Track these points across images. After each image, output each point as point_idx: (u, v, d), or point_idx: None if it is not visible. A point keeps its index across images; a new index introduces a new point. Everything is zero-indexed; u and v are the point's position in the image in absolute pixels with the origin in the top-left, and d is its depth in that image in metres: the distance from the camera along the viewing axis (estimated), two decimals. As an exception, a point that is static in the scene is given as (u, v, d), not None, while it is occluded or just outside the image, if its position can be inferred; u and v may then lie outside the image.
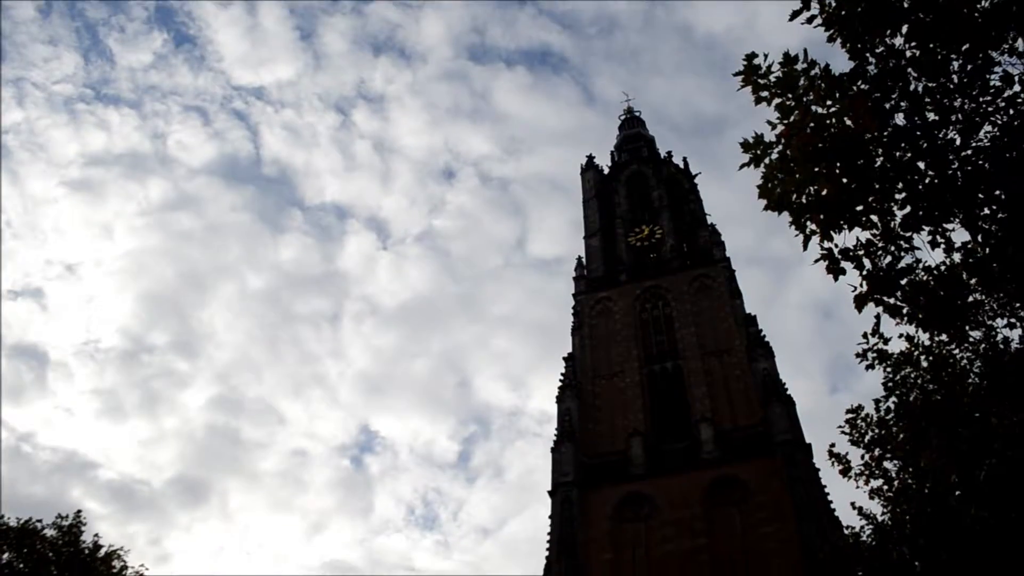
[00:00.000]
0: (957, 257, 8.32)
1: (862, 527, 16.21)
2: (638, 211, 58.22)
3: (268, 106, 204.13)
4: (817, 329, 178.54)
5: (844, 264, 7.82)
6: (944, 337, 14.09)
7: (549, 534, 40.55)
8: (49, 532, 28.34)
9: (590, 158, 63.54)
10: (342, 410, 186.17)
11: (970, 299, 10.28)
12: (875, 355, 15.67)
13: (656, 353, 48.02)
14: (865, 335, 15.01)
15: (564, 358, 48.57)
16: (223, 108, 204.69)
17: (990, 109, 7.76)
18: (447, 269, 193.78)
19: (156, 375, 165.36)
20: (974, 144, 7.74)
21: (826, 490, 37.49)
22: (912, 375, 15.76)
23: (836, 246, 7.77)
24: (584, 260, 55.31)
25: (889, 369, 15.95)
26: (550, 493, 41.85)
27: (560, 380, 46.99)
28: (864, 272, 7.83)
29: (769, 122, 7.83)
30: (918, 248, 7.70)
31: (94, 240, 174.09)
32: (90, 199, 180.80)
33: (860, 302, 7.90)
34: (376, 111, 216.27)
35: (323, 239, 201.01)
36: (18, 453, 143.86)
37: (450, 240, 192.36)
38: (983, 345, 14.06)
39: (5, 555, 27.56)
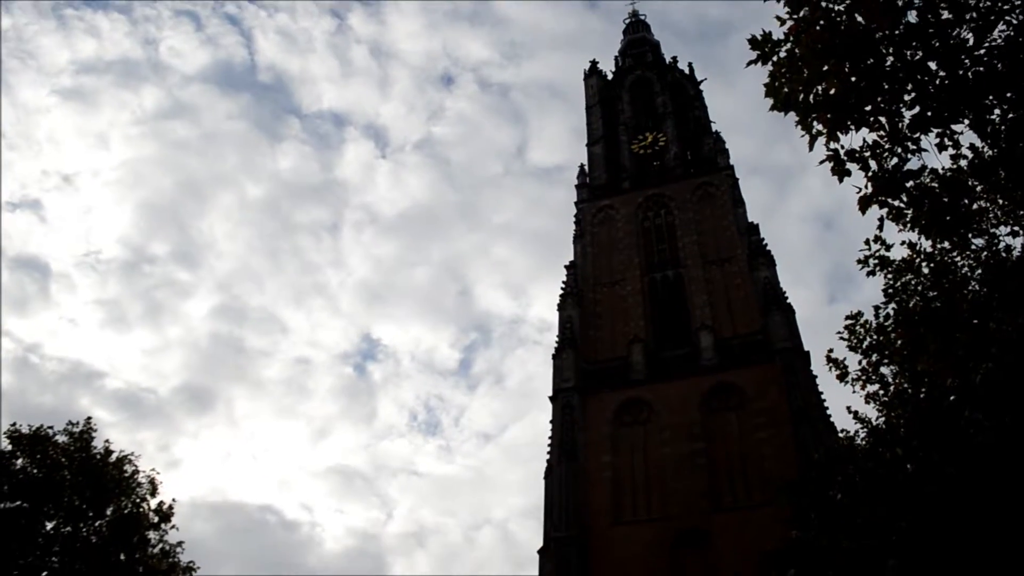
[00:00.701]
0: (964, 163, 8.18)
1: (857, 431, 16.52)
2: (642, 118, 57.31)
3: (261, 10, 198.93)
4: (817, 239, 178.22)
5: (850, 166, 7.68)
6: (946, 244, 14.03)
7: (550, 438, 41.47)
8: (61, 439, 28.86)
9: (593, 64, 62.18)
10: (344, 319, 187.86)
11: (974, 206, 10.17)
12: (876, 261, 15.64)
13: (657, 261, 48.11)
14: (867, 241, 14.95)
15: (566, 266, 48.70)
16: (215, 13, 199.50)
17: (1005, 7, 7.49)
18: (447, 177, 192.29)
19: (158, 285, 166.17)
20: (987, 44, 7.50)
21: (823, 397, 38.17)
22: (912, 282, 15.75)
23: (842, 147, 7.62)
24: (586, 168, 54.81)
25: (890, 276, 15.94)
26: (551, 399, 42.61)
27: (561, 288, 47.22)
28: (869, 174, 7.71)
29: (778, 18, 7.57)
30: (925, 150, 7.55)
31: (90, 150, 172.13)
32: (83, 108, 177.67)
33: (864, 204, 7.81)
34: (372, 14, 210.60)
35: (321, 147, 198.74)
36: (25, 364, 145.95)
37: (449, 148, 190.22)
38: (985, 253, 14.01)
39: (20, 461, 28.16)
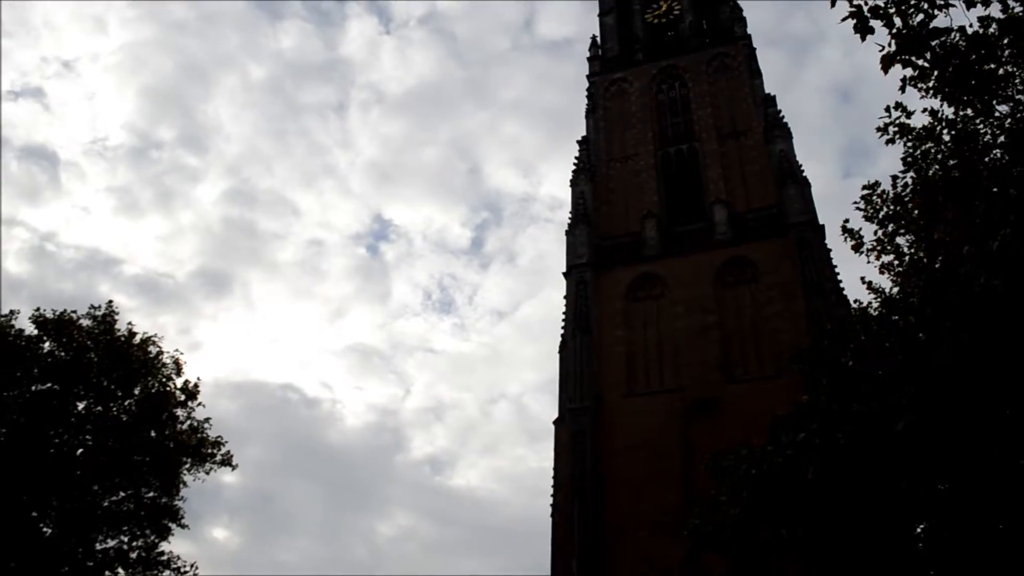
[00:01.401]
0: (994, 28, 7.81)
1: (870, 303, 16.53)
2: (656, -16, 55.02)
3: None
4: (834, 113, 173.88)
5: (873, 23, 7.34)
6: (969, 111, 13.65)
7: (564, 314, 41.98)
8: (85, 323, 29.39)
9: (604, -73, 59.20)
10: (355, 200, 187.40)
11: (1000, 71, 9.80)
12: (896, 129, 15.31)
13: (672, 135, 47.26)
14: (887, 108, 14.60)
15: (578, 141, 47.99)
16: None
17: None
18: (453, 53, 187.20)
19: (167, 171, 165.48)
20: None
21: (836, 271, 38.19)
22: (932, 150, 15.44)
23: (866, 3, 7.28)
24: (598, 39, 53.11)
25: (910, 144, 15.62)
26: (565, 274, 42.89)
27: (574, 164, 46.70)
28: (893, 31, 7.38)
29: None
30: (953, 5, 7.20)
31: (88, 35, 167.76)
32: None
33: (887, 63, 7.52)
34: None
35: (323, 25, 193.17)
36: (43, 252, 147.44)
37: (454, 22, 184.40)
38: (1008, 120, 13.63)
39: (47, 345, 28.79)
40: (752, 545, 11.09)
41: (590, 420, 37.48)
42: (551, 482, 38.61)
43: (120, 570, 31.24)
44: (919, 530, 11.61)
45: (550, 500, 38.36)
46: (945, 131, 15.03)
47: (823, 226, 39.66)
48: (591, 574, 34.30)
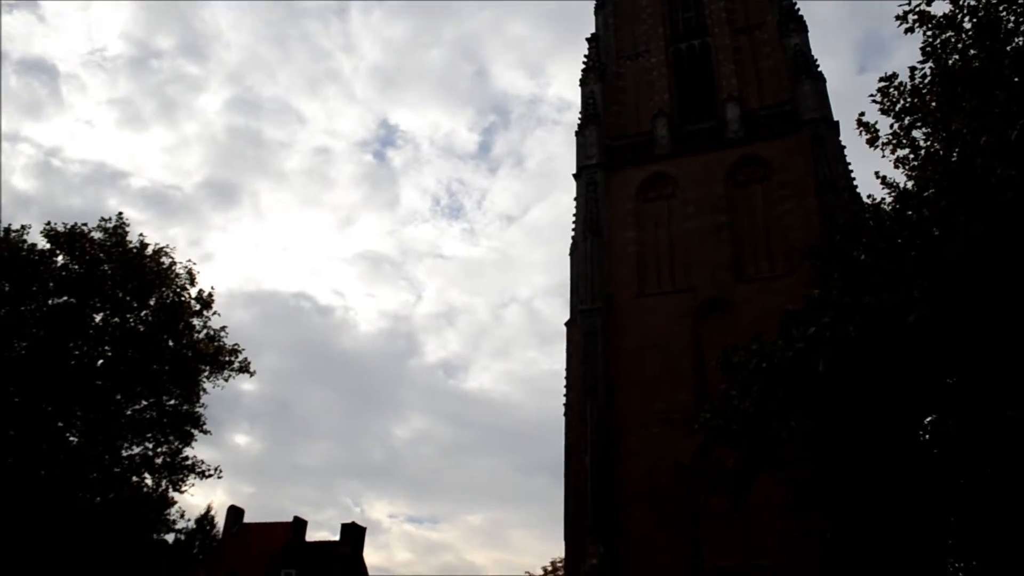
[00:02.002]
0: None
1: (883, 199, 16.31)
2: None
3: None
4: (849, 6, 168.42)
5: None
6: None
7: (574, 216, 41.78)
8: (96, 235, 29.47)
9: None
10: (360, 105, 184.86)
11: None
12: (916, 17, 14.81)
13: (683, 30, 45.91)
14: (906, -6, 14.07)
15: (587, 39, 46.76)
16: None
17: None
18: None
19: (169, 81, 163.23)
20: None
21: (850, 168, 37.61)
22: (953, 39, 14.95)
23: None
24: (606, -69, 51.02)
25: (929, 33, 15.12)
26: (575, 176, 42.51)
27: (583, 62, 45.64)
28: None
29: None
30: None
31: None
32: None
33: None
34: None
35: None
36: (48, 168, 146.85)
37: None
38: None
39: (59, 258, 28.95)
40: (762, 437, 11.30)
41: (601, 321, 37.77)
42: (563, 383, 39.23)
43: (146, 475, 32.28)
44: (925, 422, 11.77)
45: (563, 400, 39.06)
46: (966, 19, 14.53)
47: (837, 122, 38.89)
48: (603, 469, 35.19)
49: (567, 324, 39.78)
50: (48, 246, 28.73)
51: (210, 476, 33.19)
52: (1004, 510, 10.86)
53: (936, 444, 11.98)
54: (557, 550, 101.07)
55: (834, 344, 9.86)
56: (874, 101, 16.05)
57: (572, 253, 41.11)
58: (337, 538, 50.25)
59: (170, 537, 33.69)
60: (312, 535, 52.78)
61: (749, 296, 35.77)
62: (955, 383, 10.63)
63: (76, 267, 28.82)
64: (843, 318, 9.76)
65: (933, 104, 15.22)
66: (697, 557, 33.46)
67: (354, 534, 49.98)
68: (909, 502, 11.17)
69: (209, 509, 60.20)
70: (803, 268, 25.44)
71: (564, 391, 39.11)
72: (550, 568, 52.76)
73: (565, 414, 38.67)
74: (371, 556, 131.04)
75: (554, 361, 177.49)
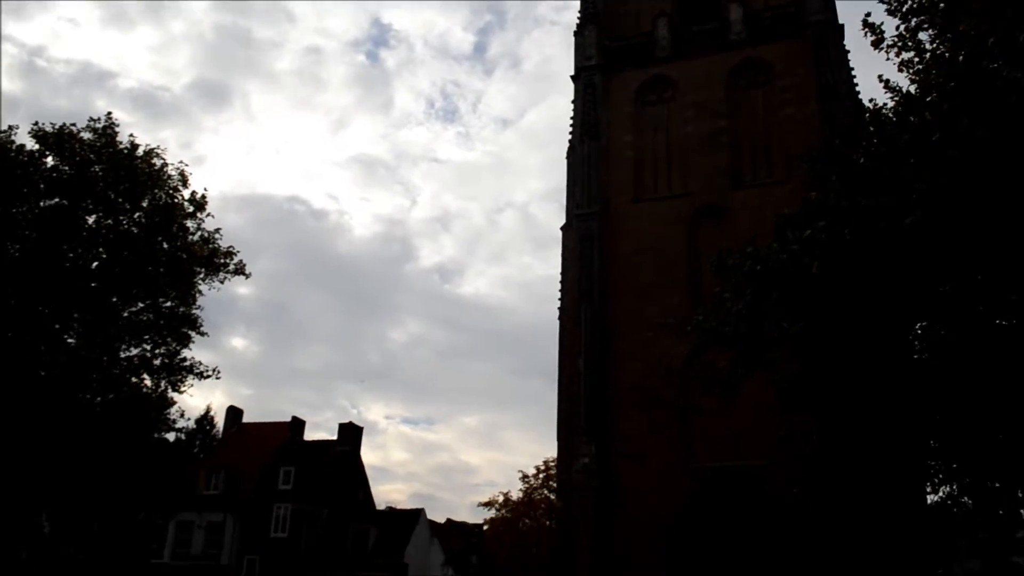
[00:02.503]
0: None
1: (885, 104, 16.00)
2: None
3: None
4: None
5: None
6: None
7: (572, 119, 41.18)
8: (85, 136, 28.91)
9: None
10: (351, 3, 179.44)
11: None
12: (927, -86, 14.23)
13: (686, -74, 44.23)
14: None
15: (587, -66, 45.06)
16: None
17: None
18: None
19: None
20: None
21: (853, 74, 36.87)
22: (964, -65, 14.39)
23: None
24: None
25: (940, -71, 14.55)
26: (573, 78, 41.71)
27: (582, -41, 44.15)
28: None
29: None
30: None
31: None
32: None
33: None
34: None
35: None
36: (33, 68, 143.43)
37: None
38: None
39: (49, 159, 28.50)
40: (754, 339, 11.42)
41: (597, 225, 37.72)
42: (558, 288, 39.47)
43: (145, 376, 32.70)
44: (916, 328, 11.85)
45: (557, 305, 39.38)
46: (979, -84, 13.95)
47: (842, 25, 37.96)
48: (597, 371, 35.77)
49: (563, 228, 39.75)
50: (37, 147, 28.24)
51: (208, 377, 33.64)
52: (989, 415, 11.05)
53: (926, 351, 12.11)
54: (550, 450, 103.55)
55: (829, 247, 9.84)
56: (881, 1, 15.58)
57: (569, 157, 40.69)
58: (335, 438, 51.31)
59: (171, 436, 34.41)
60: (310, 436, 53.97)
61: (746, 202, 35.63)
62: (948, 290, 10.66)
63: (66, 168, 28.40)
64: (839, 221, 9.71)
65: (941, 5, 14.77)
66: (687, 456, 34.35)
67: (351, 434, 51.03)
68: (895, 405, 11.36)
69: (208, 410, 61.38)
70: (801, 173, 25.21)
71: (559, 295, 39.38)
72: (543, 467, 53.88)
73: (560, 318, 39.03)
74: (368, 456, 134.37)
75: (549, 266, 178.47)
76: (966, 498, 15.20)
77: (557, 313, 39.42)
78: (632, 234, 37.51)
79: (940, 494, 16.22)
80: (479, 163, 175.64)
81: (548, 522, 50.62)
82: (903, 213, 8.99)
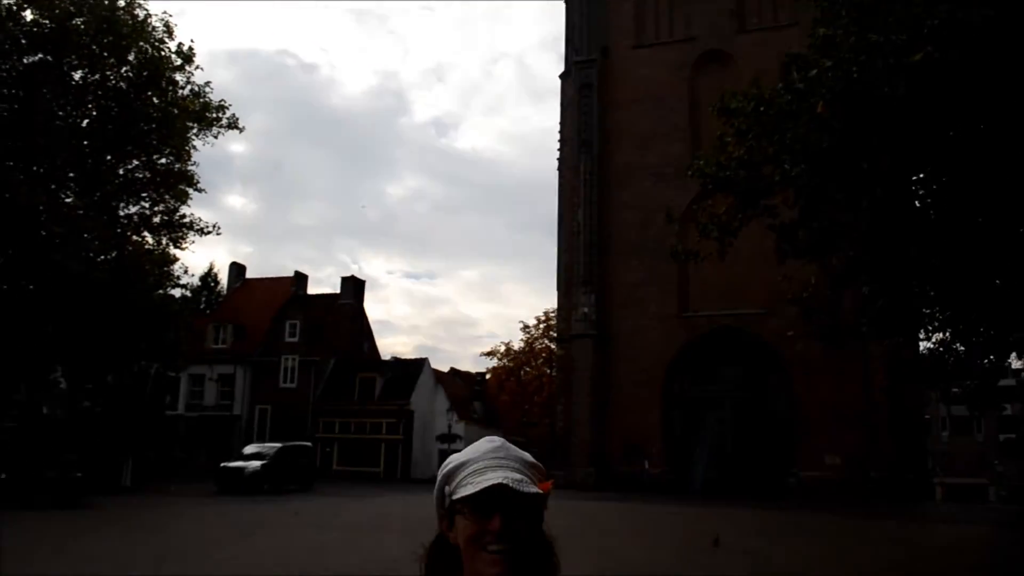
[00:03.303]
0: None
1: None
2: None
3: None
4: None
5: None
6: None
7: (570, -39, 39.39)
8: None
9: None
10: None
11: None
12: None
13: None
14: None
15: None
16: None
17: None
18: None
19: None
20: None
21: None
22: None
23: None
24: None
25: None
26: (570, -83, 39.60)
27: None
28: None
29: None
30: None
31: None
32: None
33: None
34: None
35: None
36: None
37: None
38: None
39: (28, 14, 27.47)
40: (754, 184, 11.32)
41: (597, 73, 36.78)
42: (557, 139, 38.95)
43: (146, 234, 32.82)
44: (920, 174, 11.72)
45: (556, 156, 39.02)
46: None
47: None
48: (596, 222, 35.93)
49: (561, 77, 38.79)
50: (14, 1, 27.17)
51: (209, 233, 33.78)
52: (987, 262, 11.06)
53: (928, 197, 12.02)
54: (550, 302, 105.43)
55: (835, 84, 9.59)
56: None
57: (567, 1, 39.16)
58: (338, 291, 51.99)
59: (176, 292, 34.91)
60: (313, 291, 54.64)
61: (750, 47, 34.56)
62: (954, 135, 10.46)
63: (47, 22, 27.44)
64: (847, 58, 9.42)
65: None
66: (684, 305, 35.03)
67: (354, 287, 51.63)
68: (895, 250, 11.40)
69: (212, 267, 61.95)
70: (810, 14, 24.27)
71: (558, 147, 38.94)
72: (543, 318, 55.24)
73: (559, 168, 38.77)
74: (371, 310, 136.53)
75: (546, 118, 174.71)
76: (959, 344, 15.46)
77: (556, 164, 39.11)
78: (632, 82, 36.62)
79: (933, 341, 16.53)
80: (473, 10, 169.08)
81: (548, 370, 52.33)
82: (912, 49, 8.71)
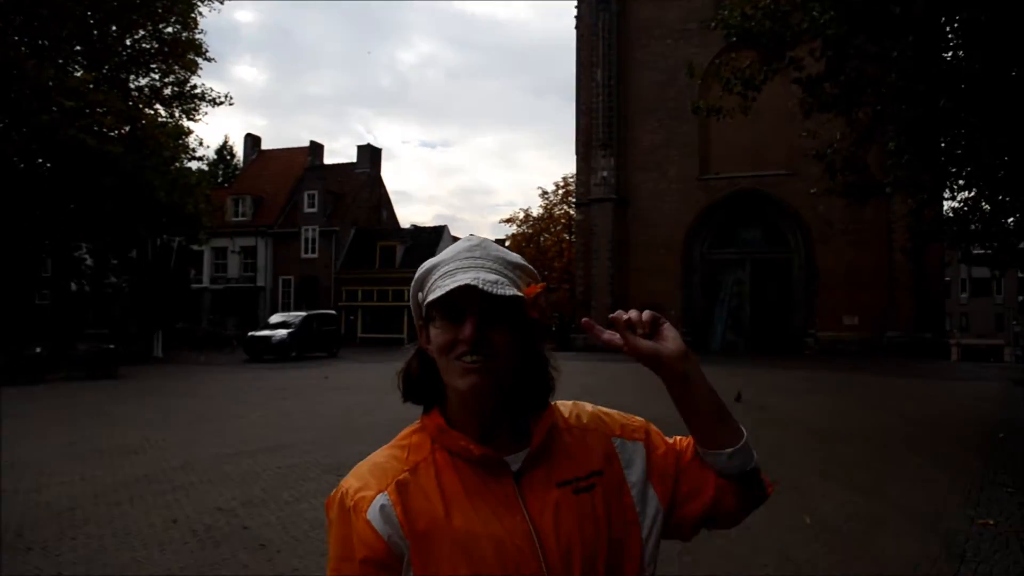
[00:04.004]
0: None
1: None
2: None
3: None
4: None
5: None
6: None
7: None
8: None
9: None
10: None
11: None
12: None
13: None
14: None
15: None
16: None
17: None
18: None
19: None
20: None
21: None
22: None
23: None
24: None
25: None
26: None
27: None
28: None
29: None
30: None
31: None
32: None
33: None
34: None
35: None
36: None
37: None
38: None
39: None
40: (781, 33, 10.87)
41: (614, -76, 34.95)
42: (574, -4, 37.44)
43: (158, 106, 32.45)
44: (955, 19, 11.15)
45: (574, 14, 37.61)
46: None
47: None
48: (616, 83, 35.01)
49: (577, -71, 36.89)
50: None
51: (221, 104, 33.42)
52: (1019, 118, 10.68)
53: (961, 47, 11.48)
54: (568, 168, 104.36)
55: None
56: None
57: None
58: (355, 160, 51.59)
59: (193, 166, 34.82)
60: (329, 161, 54.19)
61: None
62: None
63: None
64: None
65: None
66: (704, 167, 34.52)
67: (370, 155, 51.18)
68: (925, 103, 11.00)
69: (226, 140, 61.49)
70: None
71: (575, 4, 37.49)
72: (562, 183, 54.69)
73: (576, 27, 37.43)
74: (389, 180, 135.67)
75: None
76: (984, 203, 15.21)
77: (573, 24, 37.75)
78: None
79: (958, 200, 16.26)
80: None
81: (568, 236, 52.28)
82: None
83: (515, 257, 1.24)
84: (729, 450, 1.24)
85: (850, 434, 11.22)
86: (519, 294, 1.17)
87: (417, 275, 1.25)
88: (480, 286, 1.13)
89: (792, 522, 6.60)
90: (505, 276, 1.18)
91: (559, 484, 1.21)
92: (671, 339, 1.20)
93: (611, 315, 1.23)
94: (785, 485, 8.02)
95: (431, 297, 1.18)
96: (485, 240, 1.25)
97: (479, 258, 1.20)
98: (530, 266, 1.26)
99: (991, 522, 6.62)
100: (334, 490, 1.21)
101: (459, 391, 1.18)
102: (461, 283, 1.14)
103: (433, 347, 1.20)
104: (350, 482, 1.20)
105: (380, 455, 1.25)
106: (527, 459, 1.22)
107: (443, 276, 1.19)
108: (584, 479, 1.23)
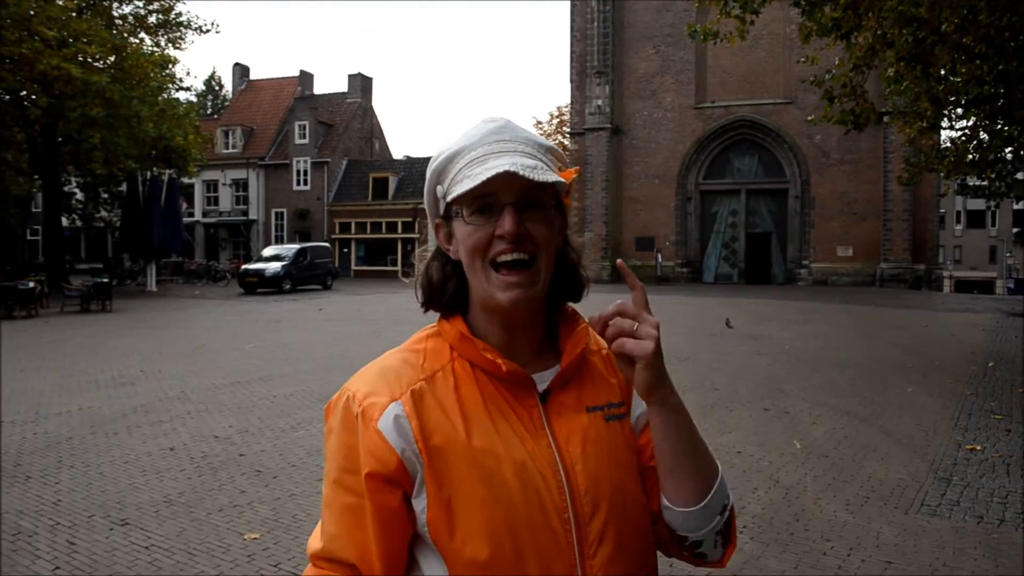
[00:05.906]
0: None
1: None
2: None
3: None
4: None
5: None
6: None
7: None
8: None
9: None
10: None
11: None
12: None
13: None
14: None
15: None
16: None
17: None
18: None
19: None
20: None
21: None
22: None
23: None
24: None
25: None
26: None
27: None
28: None
29: None
30: None
31: None
32: None
33: None
34: None
35: None
36: None
37: None
38: None
39: None
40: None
41: None
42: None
43: (144, 35, 31.67)
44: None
45: (568, -63, 36.62)
46: None
47: None
48: (611, 9, 34.30)
49: None
50: None
51: (208, 32, 32.67)
52: None
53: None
54: (561, 98, 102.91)
55: None
56: None
57: None
58: (345, 89, 50.68)
59: (181, 96, 34.18)
60: (319, 91, 53.23)
61: None
62: None
63: None
64: None
65: None
66: (701, 95, 34.07)
67: (361, 84, 50.28)
68: (919, 24, 10.77)
69: (214, 71, 60.32)
70: None
71: (569, -74, 36.46)
72: (556, 114, 54.09)
73: (570, -48, 36.50)
74: (380, 110, 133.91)
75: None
76: (982, 132, 15.09)
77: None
78: None
79: (955, 129, 16.12)
80: None
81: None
82: None
83: (542, 138, 1.09)
84: (689, 509, 1.04)
85: (842, 363, 11.32)
86: (561, 179, 1.03)
87: (434, 165, 1.08)
88: (520, 172, 0.97)
89: (782, 447, 6.70)
90: (540, 160, 1.04)
91: (589, 409, 1.08)
92: (641, 368, 0.99)
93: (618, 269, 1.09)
94: (776, 412, 8.13)
95: (460, 189, 1.01)
96: (509, 120, 1.08)
97: (509, 140, 1.04)
98: (556, 147, 1.09)
99: (978, 447, 6.73)
100: (336, 394, 1.07)
101: (498, 304, 1.03)
102: (499, 170, 0.98)
103: (462, 247, 1.05)
104: (357, 385, 1.06)
105: (391, 358, 1.10)
106: (556, 378, 1.08)
107: (471, 164, 1.03)
108: (617, 405, 1.10)
